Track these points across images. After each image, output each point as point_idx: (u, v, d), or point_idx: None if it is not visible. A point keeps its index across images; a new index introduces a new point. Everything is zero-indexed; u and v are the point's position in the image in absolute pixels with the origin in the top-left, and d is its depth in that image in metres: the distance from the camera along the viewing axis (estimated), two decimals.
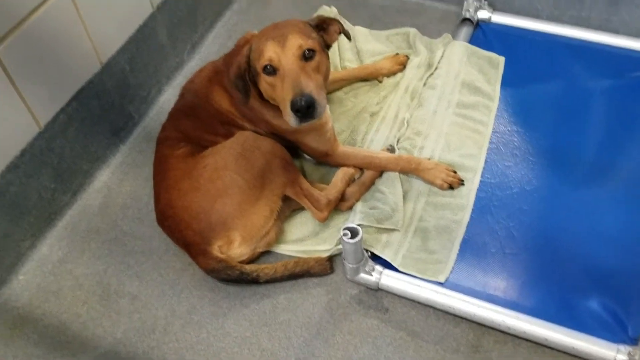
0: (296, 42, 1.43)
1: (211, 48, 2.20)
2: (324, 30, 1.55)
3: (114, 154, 1.89)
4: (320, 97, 1.43)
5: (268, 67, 1.45)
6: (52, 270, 1.63)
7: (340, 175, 1.65)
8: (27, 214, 1.63)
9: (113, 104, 1.85)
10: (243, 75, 1.51)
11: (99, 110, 1.80)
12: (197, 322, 1.51)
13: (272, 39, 1.45)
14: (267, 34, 1.48)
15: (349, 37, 1.60)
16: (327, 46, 1.56)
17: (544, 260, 1.53)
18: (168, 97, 2.04)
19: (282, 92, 1.44)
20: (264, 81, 1.49)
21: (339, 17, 2.22)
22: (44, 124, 1.63)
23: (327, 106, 1.70)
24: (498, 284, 1.49)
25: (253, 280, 1.51)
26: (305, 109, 1.39)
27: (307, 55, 1.45)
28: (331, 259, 1.57)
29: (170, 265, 1.62)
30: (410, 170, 1.68)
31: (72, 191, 1.77)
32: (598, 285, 1.46)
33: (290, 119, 1.43)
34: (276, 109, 1.56)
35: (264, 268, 1.52)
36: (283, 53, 1.43)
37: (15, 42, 1.47)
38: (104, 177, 1.83)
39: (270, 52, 1.44)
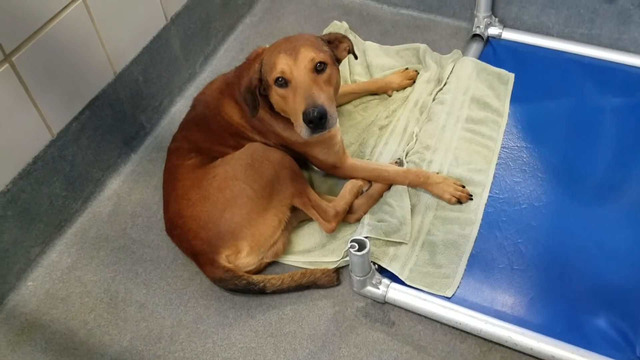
0: (308, 55, 1.45)
1: (223, 61, 2.23)
2: (335, 46, 1.57)
3: (125, 162, 1.91)
4: (331, 108, 1.44)
5: (280, 79, 1.47)
6: (61, 277, 1.64)
7: (348, 187, 1.66)
8: (38, 220, 1.65)
9: (125, 114, 1.88)
10: (253, 89, 1.52)
11: (111, 120, 1.82)
12: (203, 332, 1.51)
13: (285, 51, 1.47)
14: (279, 47, 1.50)
15: (355, 57, 1.62)
16: (338, 60, 1.58)
17: (552, 277, 1.52)
18: (180, 108, 2.07)
19: (294, 103, 1.45)
20: (276, 93, 1.50)
21: (350, 32, 2.24)
22: (57, 132, 1.65)
23: (337, 119, 1.71)
24: (505, 299, 1.49)
25: (260, 291, 1.51)
26: (318, 120, 1.40)
27: (318, 68, 1.46)
28: (338, 270, 1.57)
29: (178, 274, 1.63)
30: (418, 183, 1.68)
31: (83, 199, 1.79)
32: (606, 303, 1.45)
33: (302, 130, 1.45)
34: (286, 121, 1.57)
35: (270, 278, 1.52)
36: (295, 65, 1.45)
37: (30, 51, 1.50)
38: (115, 186, 1.85)
39: (283, 64, 1.45)
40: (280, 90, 1.48)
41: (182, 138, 1.69)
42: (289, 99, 1.47)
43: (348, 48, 1.58)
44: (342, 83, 2.02)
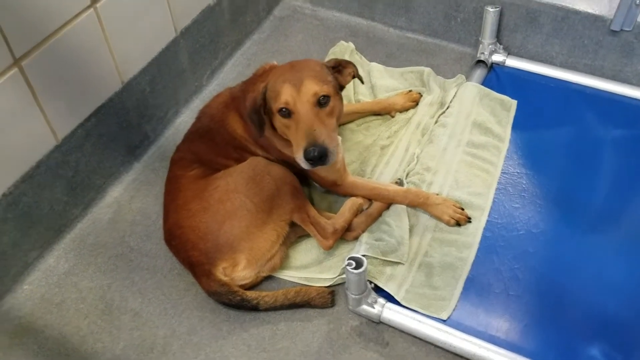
0: (312, 88, 1.44)
1: (229, 75, 2.25)
2: (339, 72, 1.57)
3: (128, 171, 1.92)
4: (332, 145, 1.44)
5: (283, 109, 1.47)
6: (57, 281, 1.64)
7: (348, 205, 1.66)
8: (38, 224, 1.66)
9: (131, 123, 1.89)
10: (258, 110, 1.53)
11: (116, 128, 1.84)
12: (196, 344, 1.50)
13: (289, 81, 1.46)
14: (284, 75, 1.49)
15: (362, 81, 1.62)
16: (341, 87, 1.58)
17: (547, 304, 1.52)
18: (184, 119, 2.08)
19: (296, 135, 1.46)
20: (279, 121, 1.51)
21: (355, 53, 2.27)
22: (62, 138, 1.66)
23: (340, 137, 1.72)
24: (500, 325, 1.48)
25: (253, 307, 1.51)
26: (318, 159, 1.41)
27: (322, 101, 1.46)
28: (333, 292, 1.57)
29: (174, 284, 1.63)
30: (418, 204, 1.69)
31: (84, 205, 1.80)
32: (600, 333, 1.45)
33: (301, 162, 1.45)
34: (287, 140, 1.58)
35: (264, 296, 1.52)
36: (299, 98, 1.45)
37: (40, 57, 1.52)
38: (116, 193, 1.86)
39: (287, 95, 1.45)
40: (284, 120, 1.49)
41: (186, 149, 1.71)
42: (292, 129, 1.48)
43: (353, 73, 1.58)
44: (346, 102, 2.05)
